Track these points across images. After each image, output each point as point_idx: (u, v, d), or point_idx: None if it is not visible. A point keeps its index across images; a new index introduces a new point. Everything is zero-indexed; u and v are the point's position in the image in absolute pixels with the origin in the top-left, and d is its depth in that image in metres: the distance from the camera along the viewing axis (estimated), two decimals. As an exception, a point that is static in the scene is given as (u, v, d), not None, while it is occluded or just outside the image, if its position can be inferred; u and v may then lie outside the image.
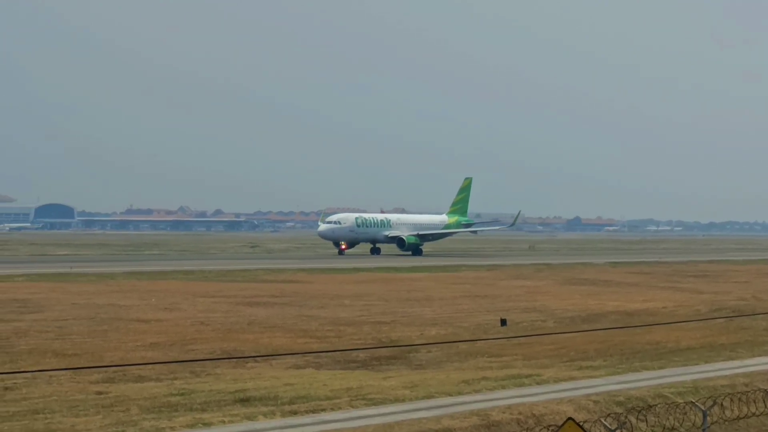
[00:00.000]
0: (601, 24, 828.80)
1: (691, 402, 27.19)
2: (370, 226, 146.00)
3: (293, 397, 28.00)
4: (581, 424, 21.13)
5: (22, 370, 32.31)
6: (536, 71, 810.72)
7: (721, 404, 27.39)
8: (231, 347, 39.58)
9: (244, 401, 27.42)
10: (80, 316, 48.86)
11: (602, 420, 23.94)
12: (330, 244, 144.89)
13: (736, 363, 37.03)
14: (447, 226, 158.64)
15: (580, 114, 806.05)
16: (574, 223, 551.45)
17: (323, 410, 26.39)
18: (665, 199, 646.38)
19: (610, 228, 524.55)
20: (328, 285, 73.21)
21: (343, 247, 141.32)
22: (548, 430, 22.01)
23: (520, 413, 26.75)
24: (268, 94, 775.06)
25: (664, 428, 26.51)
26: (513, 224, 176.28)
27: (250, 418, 25.25)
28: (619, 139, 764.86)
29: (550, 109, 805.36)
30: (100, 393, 28.83)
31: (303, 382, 30.82)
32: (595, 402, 28.48)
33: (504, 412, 26.64)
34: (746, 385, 31.81)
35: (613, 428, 23.04)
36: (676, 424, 26.54)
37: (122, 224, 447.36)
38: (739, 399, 28.40)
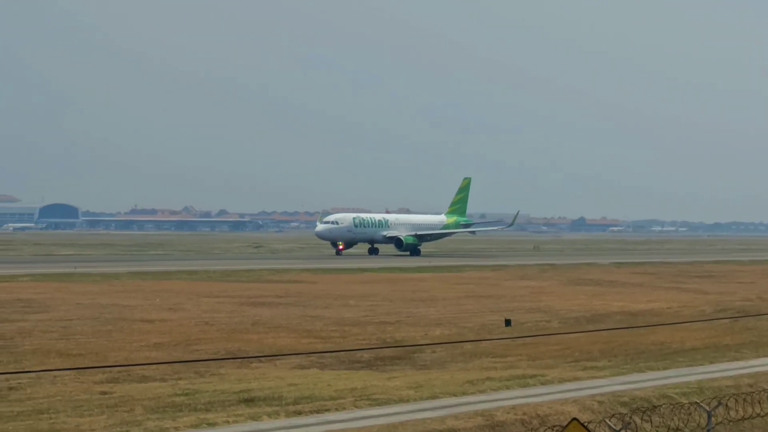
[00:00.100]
0: (602, 22, 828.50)
1: (696, 402, 27.14)
2: (368, 226, 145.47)
3: (297, 398, 27.98)
4: (586, 424, 21.09)
5: (27, 370, 32.32)
6: (542, 71, 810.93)
7: (726, 405, 27.34)
8: (235, 347, 39.58)
9: (249, 401, 27.41)
10: (84, 316, 48.88)
11: (607, 420, 23.90)
12: (329, 244, 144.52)
13: (741, 363, 36.97)
14: (446, 226, 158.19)
15: (585, 114, 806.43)
16: (579, 224, 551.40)
17: (327, 410, 26.37)
18: (670, 200, 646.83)
19: (615, 228, 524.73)
20: (333, 285, 73.20)
21: (341, 247, 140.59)
22: (553, 430, 21.96)
23: (524, 413, 26.73)
24: (274, 95, 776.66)
25: (668, 429, 26.47)
26: (512, 224, 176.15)
27: (254, 418, 25.23)
28: (624, 140, 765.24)
29: (555, 109, 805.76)
30: (104, 393, 28.84)
31: (307, 383, 30.80)
32: (600, 402, 28.45)
33: (508, 413, 26.62)
34: (751, 386, 31.77)
35: (617, 429, 23.00)
36: (681, 424, 26.49)
37: (126, 224, 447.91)
38: (744, 399, 28.35)
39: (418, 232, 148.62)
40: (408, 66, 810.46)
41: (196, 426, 24.29)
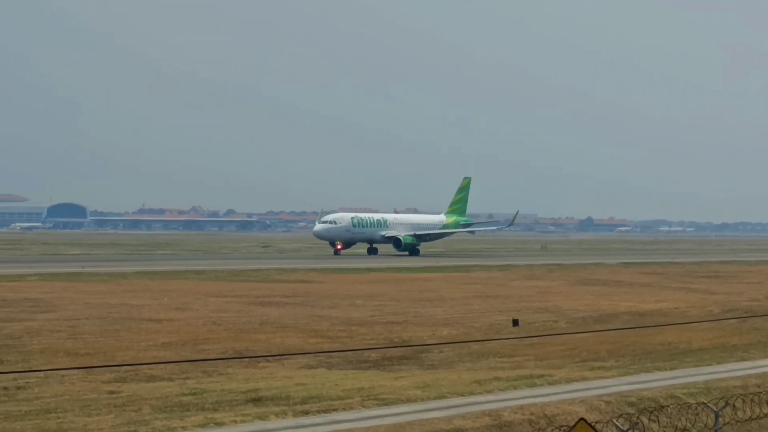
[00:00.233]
0: (610, 22, 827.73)
1: (703, 403, 27.13)
2: (367, 226, 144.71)
3: (305, 397, 28.01)
4: (593, 424, 21.09)
5: (35, 369, 32.38)
6: (549, 72, 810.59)
7: (734, 405, 27.33)
8: (243, 347, 39.62)
9: (256, 401, 27.44)
10: (92, 315, 48.93)
11: (614, 420, 23.90)
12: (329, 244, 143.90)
13: (749, 364, 36.95)
14: (445, 226, 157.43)
15: (593, 114, 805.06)
16: (587, 224, 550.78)
17: (335, 410, 26.40)
18: (678, 200, 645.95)
19: (623, 228, 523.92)
20: (340, 285, 73.20)
21: (339, 247, 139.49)
22: (560, 430, 21.98)
23: (531, 413, 26.73)
24: (282, 95, 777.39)
25: (676, 429, 26.47)
26: (511, 224, 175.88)
27: (261, 417, 25.26)
28: (631, 140, 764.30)
29: (563, 109, 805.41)
30: (112, 392, 28.88)
31: (315, 382, 30.83)
32: (607, 402, 28.44)
33: (516, 413, 26.63)
34: (758, 386, 31.75)
35: (625, 429, 23.00)
36: (688, 424, 26.49)
37: (134, 224, 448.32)
38: (752, 400, 28.33)
39: (417, 232, 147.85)
40: (421, 69, 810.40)
41: (203, 425, 24.33)
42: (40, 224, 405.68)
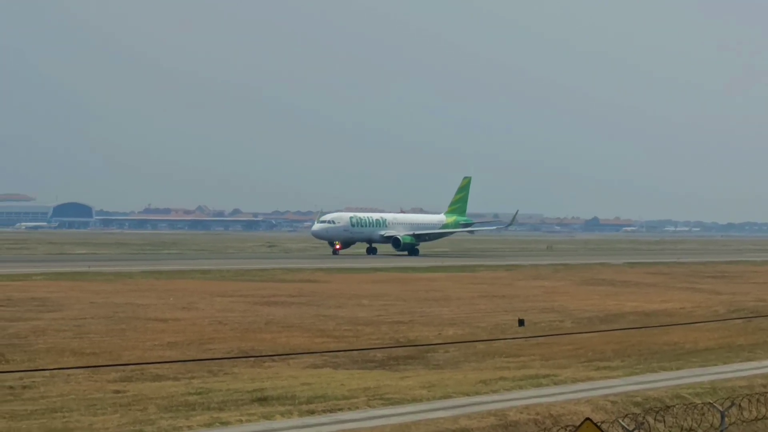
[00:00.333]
0: (610, 22, 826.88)
1: (709, 403, 27.09)
2: (366, 225, 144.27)
3: (311, 397, 28.02)
4: (599, 424, 21.07)
5: (41, 368, 32.42)
6: (553, 72, 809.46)
7: (739, 405, 27.28)
8: (248, 346, 39.63)
9: (262, 400, 27.45)
10: (98, 314, 48.98)
11: (620, 420, 23.87)
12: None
13: (754, 364, 36.92)
14: (445, 226, 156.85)
15: (599, 115, 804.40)
16: (592, 224, 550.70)
17: (340, 410, 26.40)
18: (683, 200, 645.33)
19: (628, 228, 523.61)
20: (346, 285, 73.21)
21: (338, 246, 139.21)
22: (566, 430, 21.95)
23: (537, 413, 26.73)
24: (287, 96, 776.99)
25: (681, 429, 26.44)
26: (510, 224, 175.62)
27: (267, 417, 25.27)
28: (637, 140, 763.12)
29: (568, 110, 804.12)
30: (117, 392, 28.91)
31: (320, 382, 30.84)
32: (613, 402, 28.43)
33: (521, 413, 26.62)
34: (764, 386, 31.72)
35: (630, 429, 22.98)
36: (694, 425, 26.45)
37: (140, 223, 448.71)
38: (758, 400, 28.29)
39: (416, 232, 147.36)
40: (419, 68, 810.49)
41: (209, 425, 24.34)
42: (45, 224, 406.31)
